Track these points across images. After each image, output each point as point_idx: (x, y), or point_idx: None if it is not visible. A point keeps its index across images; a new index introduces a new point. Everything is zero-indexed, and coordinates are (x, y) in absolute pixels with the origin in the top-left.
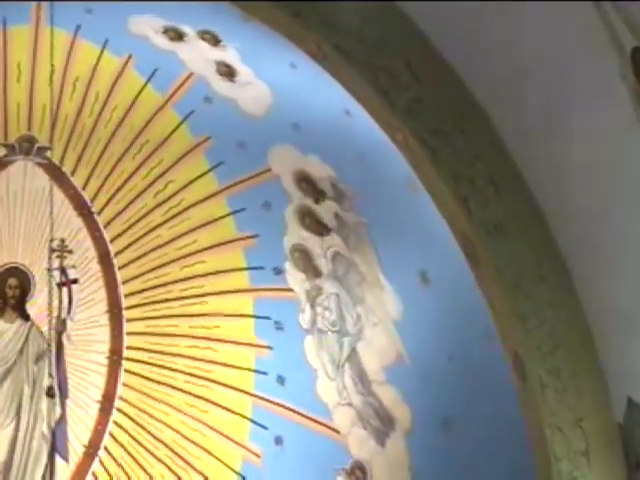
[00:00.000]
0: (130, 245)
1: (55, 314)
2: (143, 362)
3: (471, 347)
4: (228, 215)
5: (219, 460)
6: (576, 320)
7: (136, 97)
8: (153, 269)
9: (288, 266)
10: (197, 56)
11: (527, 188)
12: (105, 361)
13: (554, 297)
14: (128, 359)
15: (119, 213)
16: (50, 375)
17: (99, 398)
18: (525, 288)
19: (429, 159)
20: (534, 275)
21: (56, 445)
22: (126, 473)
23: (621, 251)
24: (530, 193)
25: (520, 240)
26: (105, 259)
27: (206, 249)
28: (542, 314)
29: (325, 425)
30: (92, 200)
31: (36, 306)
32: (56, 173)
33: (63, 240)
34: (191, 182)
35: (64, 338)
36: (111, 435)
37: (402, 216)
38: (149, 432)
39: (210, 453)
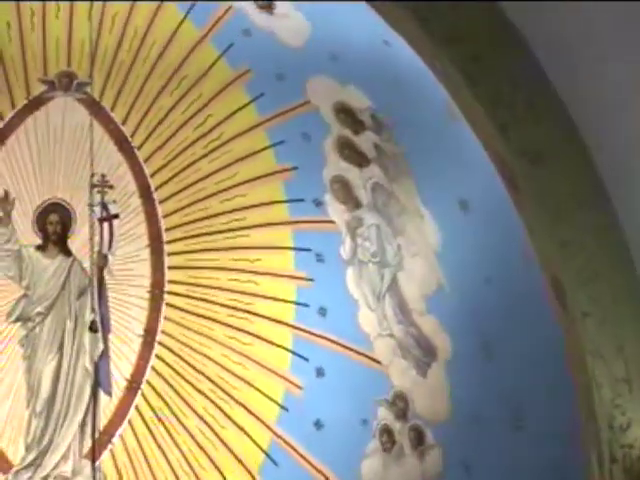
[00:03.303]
0: (170, 179)
1: (96, 249)
2: (184, 296)
3: (511, 274)
4: (268, 147)
5: (261, 392)
6: (617, 247)
7: (174, 32)
8: (193, 203)
9: (328, 198)
10: None
11: (567, 114)
12: (147, 295)
13: (594, 223)
14: (169, 293)
15: (159, 148)
16: (92, 310)
17: (141, 332)
18: (565, 214)
19: (467, 86)
20: (574, 201)
21: (99, 380)
22: (169, 406)
23: None
24: (570, 119)
25: (560, 166)
26: (146, 193)
27: (246, 182)
28: (582, 240)
29: (366, 356)
30: (132, 135)
31: (77, 242)
32: (96, 108)
33: (104, 175)
34: (231, 115)
35: (106, 273)
36: (153, 369)
37: (441, 145)
38: (191, 365)
39: (252, 385)
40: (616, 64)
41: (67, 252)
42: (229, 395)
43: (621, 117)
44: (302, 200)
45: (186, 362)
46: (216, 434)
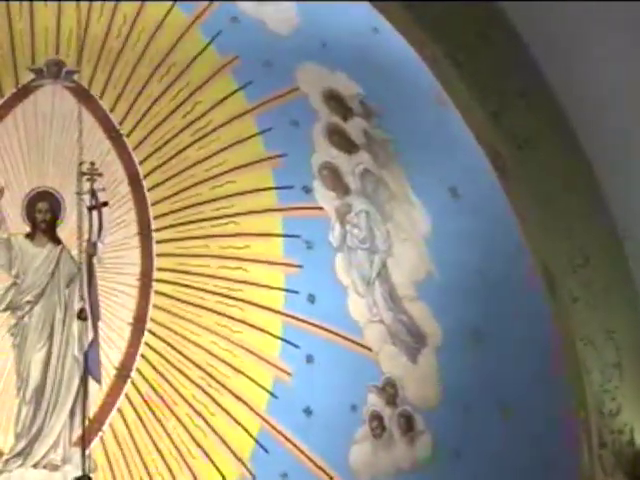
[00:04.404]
0: (159, 167)
1: (86, 237)
2: (174, 283)
3: (501, 261)
4: (256, 135)
5: (251, 379)
6: (607, 233)
7: (163, 19)
8: (182, 190)
9: (317, 184)
10: None
11: (556, 101)
12: (136, 283)
13: (584, 210)
14: (159, 281)
15: (148, 135)
16: (81, 298)
17: (130, 320)
18: (555, 201)
19: (458, 74)
20: (564, 188)
21: (88, 368)
22: (159, 394)
23: None
24: (559, 106)
25: (550, 153)
26: (135, 181)
27: (235, 169)
28: (573, 227)
29: (356, 342)
30: (121, 123)
31: (66, 230)
32: (84, 96)
33: (93, 163)
34: (219, 102)
35: (95, 261)
36: (143, 357)
37: (431, 132)
38: (181, 353)
39: (242, 373)
40: (604, 48)
41: (56, 240)
42: (219, 382)
43: (611, 103)
44: (291, 187)
45: (175, 350)
46: (206, 421)
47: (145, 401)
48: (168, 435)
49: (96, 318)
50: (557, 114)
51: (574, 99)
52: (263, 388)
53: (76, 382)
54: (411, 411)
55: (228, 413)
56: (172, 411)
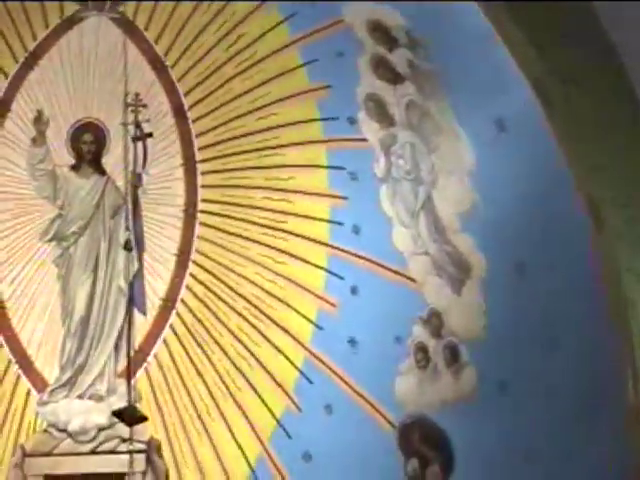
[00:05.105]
0: (204, 98)
1: (130, 168)
2: (218, 215)
3: (546, 194)
4: (301, 66)
5: (296, 311)
6: None
7: None
8: (227, 122)
9: (362, 116)
10: None
11: (606, 37)
12: (181, 214)
13: (630, 146)
14: (203, 212)
15: (192, 66)
16: (127, 229)
17: (175, 251)
18: (601, 136)
19: (505, 7)
20: (610, 123)
21: (133, 299)
22: (203, 325)
23: None
24: (608, 42)
25: (597, 88)
26: (179, 112)
27: (279, 101)
28: (618, 163)
29: (401, 274)
30: (165, 54)
31: (111, 161)
32: (129, 28)
33: (137, 94)
34: (264, 34)
35: (140, 192)
36: (188, 288)
37: (477, 64)
38: (225, 284)
39: (286, 304)
40: None
41: (101, 172)
42: (264, 314)
43: None
44: (336, 118)
45: (220, 281)
46: (251, 352)
47: (190, 332)
48: (213, 366)
49: (141, 249)
50: (605, 50)
51: (624, 35)
52: (308, 319)
53: (121, 313)
54: (456, 343)
55: (273, 344)
56: (217, 342)
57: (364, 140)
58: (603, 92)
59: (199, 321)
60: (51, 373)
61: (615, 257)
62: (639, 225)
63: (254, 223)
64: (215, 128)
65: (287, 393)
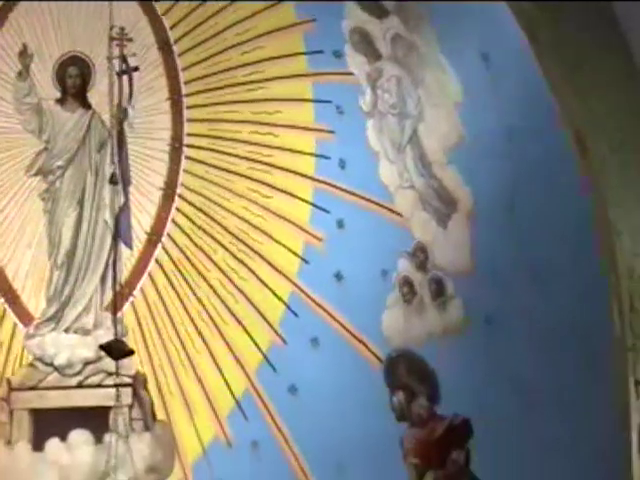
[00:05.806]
0: (190, 32)
1: (116, 102)
2: (204, 149)
3: (533, 128)
4: None
5: (281, 244)
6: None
7: None
8: (213, 55)
9: (348, 49)
10: None
11: None
12: (167, 148)
13: (617, 77)
14: (189, 146)
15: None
16: (112, 163)
17: (161, 185)
18: (587, 67)
19: None
20: (596, 54)
21: (119, 232)
22: (189, 259)
23: None
24: None
25: (582, 18)
26: (165, 46)
27: (265, 34)
28: (605, 94)
29: (387, 208)
30: None
31: (97, 95)
32: None
33: (123, 28)
34: None
35: (126, 126)
36: (174, 222)
37: None
38: (211, 218)
39: (272, 238)
40: None
41: (87, 105)
42: (249, 247)
43: None
44: (321, 52)
45: (206, 215)
46: (236, 286)
47: (176, 266)
48: (199, 300)
49: (127, 183)
50: None
51: None
52: (294, 253)
53: (107, 247)
54: (442, 276)
55: (259, 278)
56: (203, 276)
57: (350, 74)
58: (589, 20)
59: (185, 255)
60: (37, 307)
61: (601, 188)
62: (625, 150)
63: (240, 157)
64: (201, 62)
65: (273, 327)
